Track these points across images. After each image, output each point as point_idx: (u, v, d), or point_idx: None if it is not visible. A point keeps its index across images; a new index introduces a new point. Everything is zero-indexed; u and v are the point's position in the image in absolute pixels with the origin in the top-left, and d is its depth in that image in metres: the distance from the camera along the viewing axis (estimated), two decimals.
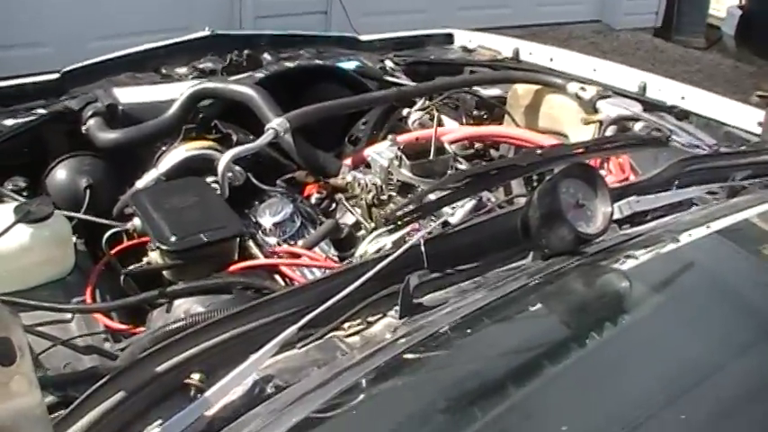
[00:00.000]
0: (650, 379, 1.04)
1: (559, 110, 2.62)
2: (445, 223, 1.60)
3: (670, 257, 1.43)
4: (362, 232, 1.88)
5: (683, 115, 2.58)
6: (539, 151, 1.40)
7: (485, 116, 2.66)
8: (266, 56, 2.70)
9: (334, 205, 2.03)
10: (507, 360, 1.11)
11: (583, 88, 2.51)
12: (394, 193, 1.88)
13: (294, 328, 1.10)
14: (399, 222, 1.37)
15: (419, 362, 1.12)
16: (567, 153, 1.45)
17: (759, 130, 2.51)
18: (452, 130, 2.33)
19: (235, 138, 2.09)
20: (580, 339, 1.14)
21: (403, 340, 1.14)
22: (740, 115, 2.55)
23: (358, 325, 1.23)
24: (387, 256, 1.25)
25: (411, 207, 1.38)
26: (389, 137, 2.01)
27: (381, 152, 1.95)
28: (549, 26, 7.94)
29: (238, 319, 1.19)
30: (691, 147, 2.29)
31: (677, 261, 1.40)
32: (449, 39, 3.32)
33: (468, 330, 1.15)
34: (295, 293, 1.26)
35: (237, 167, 1.94)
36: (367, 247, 1.63)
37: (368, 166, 2.03)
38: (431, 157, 1.89)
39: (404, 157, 1.87)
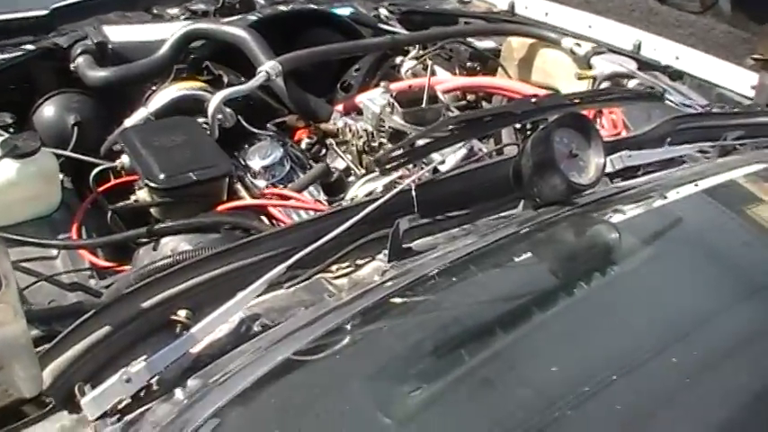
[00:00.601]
0: (637, 325, 1.05)
1: (553, 64, 2.60)
2: (436, 170, 1.60)
3: (658, 212, 1.43)
4: (352, 178, 1.87)
5: (676, 75, 2.58)
6: (533, 100, 1.39)
7: (478, 68, 2.64)
8: None
9: (324, 150, 2.02)
10: (495, 305, 1.11)
11: (578, 44, 2.49)
12: (385, 140, 1.87)
13: (282, 266, 1.10)
14: (390, 166, 1.36)
15: (406, 305, 1.12)
16: (561, 102, 1.43)
17: (752, 93, 2.50)
18: (446, 79, 2.32)
19: (226, 79, 2.07)
20: (568, 287, 1.14)
21: (390, 283, 1.13)
22: (734, 78, 2.54)
23: (346, 267, 1.23)
24: (377, 199, 1.24)
25: (403, 150, 1.36)
26: (382, 84, 2.00)
27: (374, 99, 1.94)
28: None
29: (226, 257, 1.18)
30: (683, 106, 2.29)
31: (664, 216, 1.40)
32: None
33: (456, 275, 1.15)
34: (284, 233, 1.25)
35: (228, 109, 1.91)
36: (357, 191, 1.62)
37: (359, 112, 2.02)
38: (423, 105, 1.88)
39: (396, 104, 1.86)
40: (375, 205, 1.21)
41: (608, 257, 1.26)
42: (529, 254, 1.25)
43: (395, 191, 1.25)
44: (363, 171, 1.85)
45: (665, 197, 1.45)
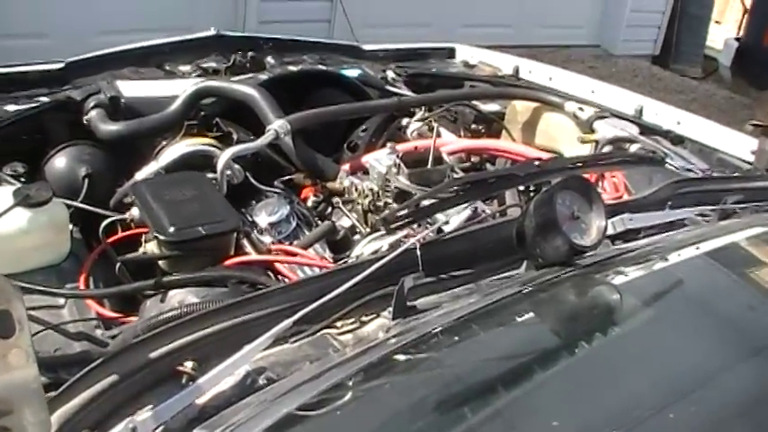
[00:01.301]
0: (636, 384, 1.06)
1: (556, 128, 2.65)
2: (440, 231, 1.63)
3: (659, 275, 1.45)
4: (358, 236, 1.90)
5: (678, 140, 2.61)
6: (536, 163, 1.42)
7: (482, 130, 2.69)
8: (270, 59, 2.72)
9: (330, 209, 2.05)
10: (497, 364, 1.12)
11: (581, 108, 2.54)
12: (390, 200, 1.90)
13: (289, 321, 1.12)
14: (396, 225, 1.38)
15: (409, 362, 1.13)
16: (564, 165, 1.47)
17: (752, 158, 2.54)
18: (451, 141, 2.36)
19: (235, 136, 2.11)
20: (569, 347, 1.16)
21: (394, 340, 1.15)
22: (734, 143, 2.58)
23: (351, 324, 1.25)
24: (382, 257, 1.27)
25: (408, 210, 1.39)
26: (389, 144, 2.03)
27: (380, 159, 1.97)
28: (549, 48, 7.98)
29: (233, 310, 1.20)
30: (684, 170, 2.32)
31: (666, 279, 1.42)
32: (451, 53, 3.35)
33: (460, 334, 1.17)
34: (290, 289, 1.27)
35: (236, 166, 1.95)
36: (363, 249, 1.65)
37: (366, 172, 2.06)
38: (429, 166, 1.92)
39: (402, 164, 1.89)
40: (380, 263, 1.23)
41: (609, 318, 1.27)
42: (531, 314, 1.27)
43: (400, 249, 1.27)
44: (369, 230, 1.87)
45: (666, 259, 1.47)
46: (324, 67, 2.62)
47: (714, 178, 2.10)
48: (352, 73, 2.67)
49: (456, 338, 1.16)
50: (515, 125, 2.72)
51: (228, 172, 1.91)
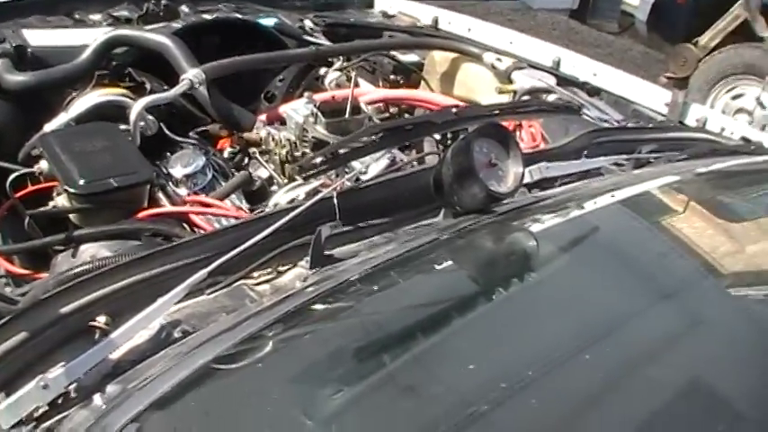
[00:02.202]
0: (551, 330, 1.08)
1: (474, 78, 2.66)
2: (357, 179, 1.62)
3: (574, 222, 1.47)
4: (275, 187, 1.88)
5: (594, 91, 2.65)
6: (454, 110, 1.42)
7: (401, 81, 2.68)
8: (184, 8, 2.65)
9: (247, 160, 2.02)
10: (414, 311, 1.12)
11: (498, 59, 2.56)
12: (308, 150, 1.88)
13: (203, 272, 1.10)
14: (312, 173, 1.37)
15: (327, 311, 1.13)
16: (481, 113, 1.47)
17: (666, 110, 2.60)
18: (369, 91, 2.34)
19: (149, 87, 2.05)
20: (486, 293, 1.17)
21: (311, 289, 1.14)
22: (649, 95, 2.64)
23: (268, 274, 1.24)
24: (299, 206, 1.26)
25: (325, 158, 1.38)
26: (306, 94, 2.01)
27: (297, 109, 1.95)
28: (470, 0, 7.99)
29: (147, 263, 1.18)
30: (600, 121, 2.36)
31: (580, 226, 1.44)
32: (370, 3, 3.32)
33: (377, 282, 1.17)
34: (205, 240, 1.25)
35: (150, 117, 1.90)
36: (279, 199, 1.63)
37: (283, 122, 2.03)
38: (346, 115, 1.90)
39: (319, 114, 1.87)
40: (297, 212, 1.22)
41: (525, 264, 1.29)
42: (448, 261, 1.27)
43: (316, 198, 1.26)
44: (286, 180, 1.85)
45: (582, 207, 1.50)
46: (239, 16, 2.56)
47: (629, 128, 2.14)
48: (268, 22, 2.62)
49: (374, 287, 1.16)
50: (434, 76, 2.72)
51: (142, 123, 1.86)
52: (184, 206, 1.67)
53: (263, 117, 2.09)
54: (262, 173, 1.94)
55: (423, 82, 2.69)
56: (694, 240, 1.47)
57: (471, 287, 1.23)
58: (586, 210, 1.49)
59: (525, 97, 2.34)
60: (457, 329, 1.07)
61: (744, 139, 2.50)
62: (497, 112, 1.52)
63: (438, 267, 1.25)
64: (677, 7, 5.75)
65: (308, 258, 1.22)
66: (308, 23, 2.82)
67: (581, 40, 8.25)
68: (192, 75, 1.95)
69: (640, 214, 1.54)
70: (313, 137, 1.86)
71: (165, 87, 2.05)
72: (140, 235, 1.44)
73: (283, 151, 1.90)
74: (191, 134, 2.02)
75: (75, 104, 1.95)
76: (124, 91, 2.02)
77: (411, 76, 2.69)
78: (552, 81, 2.49)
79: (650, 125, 2.35)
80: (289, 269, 1.25)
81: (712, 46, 2.55)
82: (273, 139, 1.93)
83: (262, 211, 1.61)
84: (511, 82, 2.48)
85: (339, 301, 1.14)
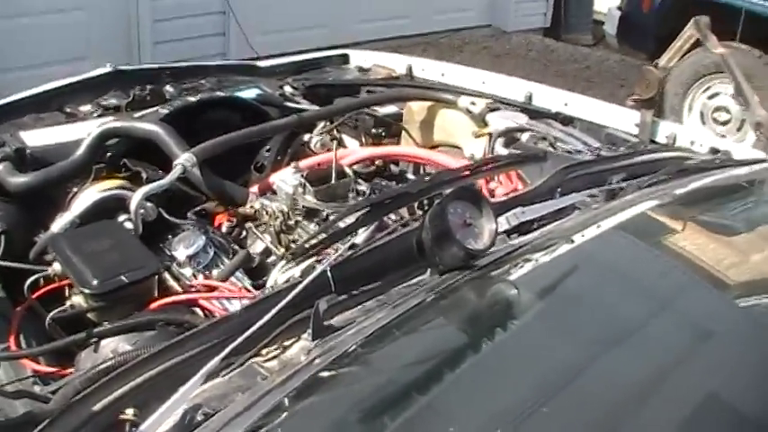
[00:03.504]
0: (534, 380, 1.20)
1: (452, 124, 2.78)
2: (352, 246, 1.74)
3: (555, 262, 1.58)
4: (273, 258, 1.99)
5: (567, 120, 2.77)
6: (426, 178, 1.54)
7: (383, 133, 2.80)
8: (168, 88, 2.77)
9: (244, 233, 2.13)
10: (409, 371, 1.24)
11: (473, 102, 2.68)
12: (300, 218, 2.00)
13: (217, 359, 1.21)
14: (304, 257, 1.49)
15: (333, 379, 1.24)
16: (452, 177, 1.59)
17: (637, 130, 2.72)
18: (352, 152, 2.46)
19: (145, 175, 2.16)
20: (473, 347, 1.29)
21: (317, 360, 1.25)
22: (618, 117, 2.77)
23: (275, 350, 1.34)
24: (297, 284, 1.37)
25: (314, 242, 1.51)
26: (292, 164, 2.13)
27: (285, 179, 2.06)
28: (445, 33, 8.15)
29: (165, 354, 1.29)
30: (576, 152, 2.48)
31: (556, 269, 1.56)
32: (344, 59, 3.44)
33: (375, 347, 1.28)
34: (215, 326, 1.36)
35: (149, 204, 2.01)
36: (277, 277, 1.74)
37: (274, 192, 2.15)
38: (332, 181, 2.02)
39: (307, 183, 1.99)
40: (295, 291, 1.33)
41: (507, 314, 1.41)
42: (435, 320, 1.39)
43: (312, 276, 1.37)
44: (283, 251, 1.96)
45: (556, 250, 1.61)
46: (221, 94, 2.68)
47: (599, 159, 2.24)
48: (249, 94, 2.74)
49: (371, 352, 1.28)
50: (413, 125, 2.84)
51: (142, 211, 1.97)
52: (192, 291, 1.78)
53: (254, 189, 2.21)
54: (258, 246, 2.05)
55: (403, 132, 2.82)
56: (674, 270, 1.59)
57: (460, 342, 1.33)
58: (560, 252, 1.60)
59: (500, 139, 2.47)
60: (446, 384, 1.18)
61: (712, 149, 2.62)
62: (467, 173, 1.64)
63: (426, 328, 1.36)
64: (643, 17, 5.90)
65: (310, 331, 1.33)
66: (287, 89, 2.94)
67: (557, 57, 8.41)
68: (183, 159, 2.06)
69: (614, 250, 1.65)
70: (304, 206, 1.97)
71: (160, 173, 2.17)
72: (155, 325, 1.55)
73: (277, 222, 2.01)
74: (189, 215, 2.13)
75: (77, 201, 2.06)
76: (122, 182, 2.14)
77: (392, 127, 2.82)
78: (524, 119, 2.61)
79: (622, 150, 2.46)
80: (293, 343, 1.35)
81: (671, 66, 2.66)
82: (267, 211, 2.05)
83: (263, 293, 1.70)
84: (486, 124, 2.61)
85: (343, 368, 1.25)
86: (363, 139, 2.76)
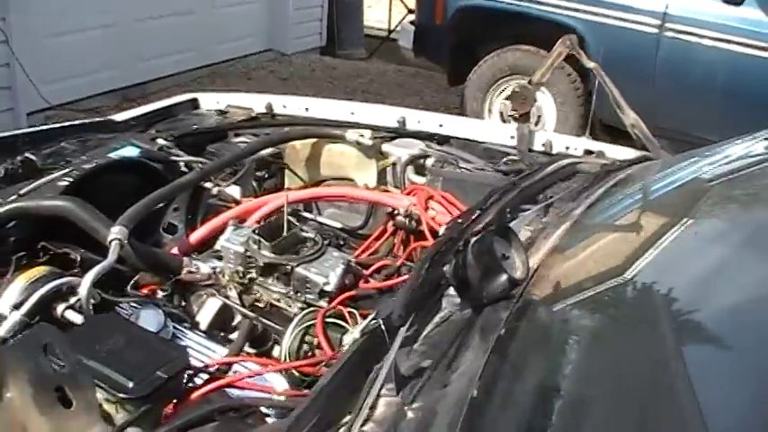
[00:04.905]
0: None
1: (341, 157, 2.81)
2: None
3: None
4: (238, 317, 1.94)
5: (443, 140, 2.88)
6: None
7: (265, 176, 2.78)
8: (29, 155, 2.56)
9: (191, 295, 2.05)
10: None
11: (361, 135, 2.70)
12: (255, 275, 1.94)
13: None
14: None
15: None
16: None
17: (513, 142, 2.87)
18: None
19: (75, 256, 2.00)
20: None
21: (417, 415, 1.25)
22: (492, 132, 2.92)
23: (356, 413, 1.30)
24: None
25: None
26: (231, 222, 2.06)
27: (230, 239, 2.00)
28: (230, 61, 8.10)
29: None
30: (476, 170, 2.59)
31: None
32: (194, 104, 3.35)
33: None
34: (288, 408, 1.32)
35: (94, 289, 1.86)
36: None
37: (199, 251, 2.07)
38: (284, 232, 1.98)
39: (261, 239, 1.94)
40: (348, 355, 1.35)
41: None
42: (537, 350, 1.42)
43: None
44: (248, 306, 1.94)
45: None
46: (114, 156, 2.52)
47: (522, 177, 2.33)
48: (131, 152, 2.61)
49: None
50: (299, 163, 2.84)
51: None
52: (225, 378, 1.65)
53: (175, 251, 2.12)
54: (210, 309, 1.98)
55: (286, 171, 2.81)
56: None
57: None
58: None
59: (410, 166, 2.53)
60: None
61: (587, 151, 2.82)
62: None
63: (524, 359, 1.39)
64: (437, 30, 6.17)
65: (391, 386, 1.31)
66: (161, 142, 2.81)
67: (339, 74, 8.60)
68: (116, 233, 1.92)
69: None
70: (263, 262, 1.92)
71: (82, 251, 2.02)
72: (215, 415, 1.43)
73: (236, 283, 1.95)
74: (129, 290, 1.99)
75: (4, 297, 1.86)
76: (50, 269, 1.95)
77: (272, 166, 2.80)
78: (421, 144, 2.69)
79: (531, 166, 2.57)
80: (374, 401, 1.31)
81: (543, 81, 2.83)
82: (224, 275, 1.97)
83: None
84: (383, 154, 2.66)
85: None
86: (254, 183, 2.72)
